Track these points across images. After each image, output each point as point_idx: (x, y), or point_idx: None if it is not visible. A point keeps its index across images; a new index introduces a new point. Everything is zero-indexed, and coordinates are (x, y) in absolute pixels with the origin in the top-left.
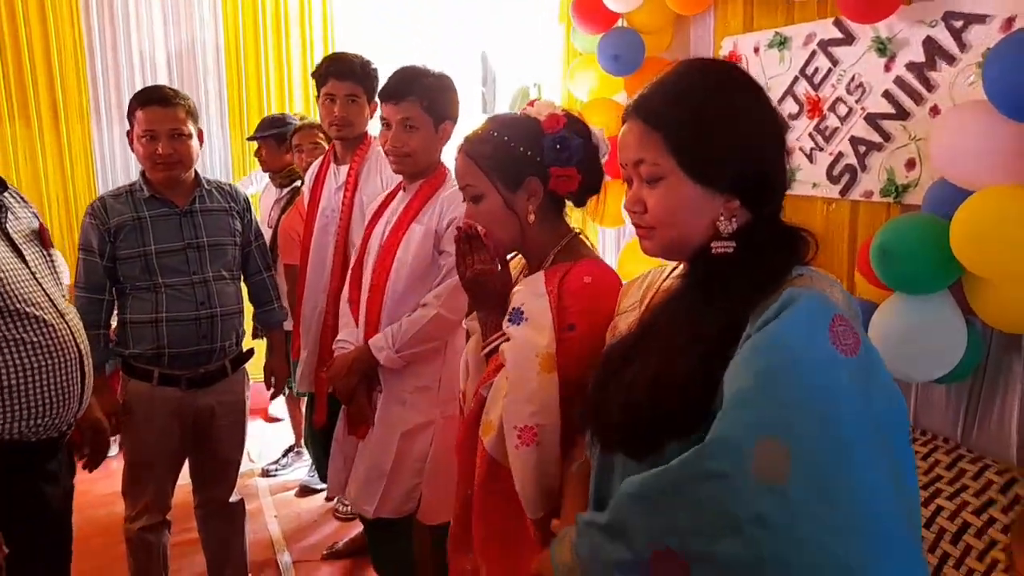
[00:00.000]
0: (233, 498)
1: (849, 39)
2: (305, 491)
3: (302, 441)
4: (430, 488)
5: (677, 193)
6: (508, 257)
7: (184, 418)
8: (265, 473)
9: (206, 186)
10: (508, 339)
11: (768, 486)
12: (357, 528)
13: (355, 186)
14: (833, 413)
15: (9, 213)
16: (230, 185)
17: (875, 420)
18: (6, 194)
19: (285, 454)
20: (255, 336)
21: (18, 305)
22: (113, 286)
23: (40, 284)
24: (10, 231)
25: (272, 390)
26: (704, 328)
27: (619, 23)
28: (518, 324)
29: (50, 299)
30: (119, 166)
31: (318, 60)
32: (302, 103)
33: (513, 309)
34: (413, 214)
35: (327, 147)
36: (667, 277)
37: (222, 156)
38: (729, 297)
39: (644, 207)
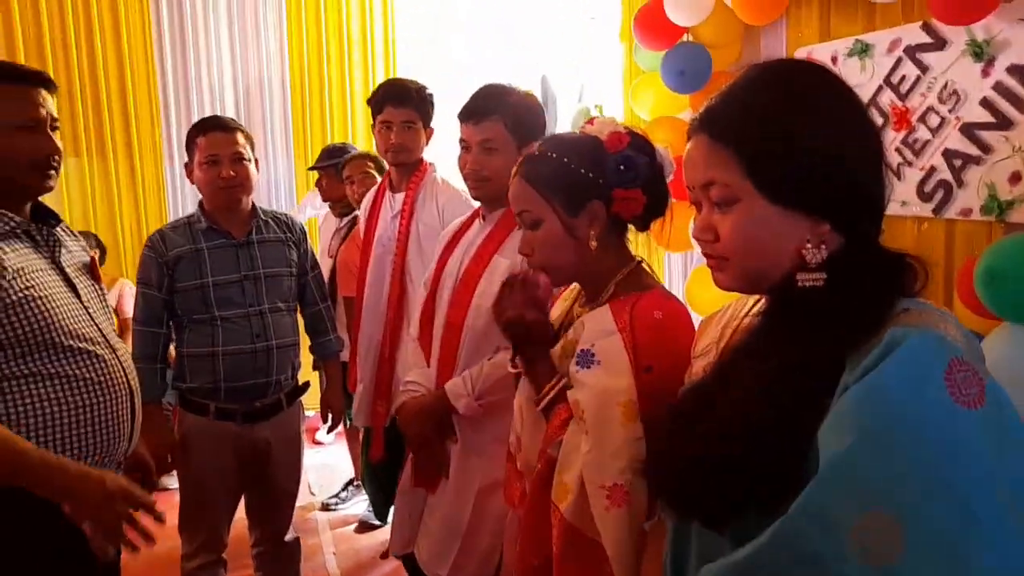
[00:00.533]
0: (289, 536)
1: (940, 43)
2: (364, 527)
3: (361, 474)
4: (513, 551)
5: (754, 218)
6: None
7: (240, 453)
8: (325, 507)
9: (262, 216)
10: (573, 386)
11: (876, 568)
12: None
13: (411, 214)
14: (953, 478)
15: (62, 247)
16: (286, 215)
17: (1009, 484)
18: (59, 228)
19: (345, 487)
20: (315, 368)
21: (69, 341)
22: (171, 319)
23: (92, 318)
24: (63, 264)
25: (328, 423)
26: (793, 375)
27: (685, 38)
28: (589, 368)
29: (102, 333)
30: (190, 200)
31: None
32: (364, 132)
33: (582, 351)
34: (495, 245)
35: (378, 177)
36: (749, 312)
37: (287, 188)
38: (822, 338)
39: (715, 235)
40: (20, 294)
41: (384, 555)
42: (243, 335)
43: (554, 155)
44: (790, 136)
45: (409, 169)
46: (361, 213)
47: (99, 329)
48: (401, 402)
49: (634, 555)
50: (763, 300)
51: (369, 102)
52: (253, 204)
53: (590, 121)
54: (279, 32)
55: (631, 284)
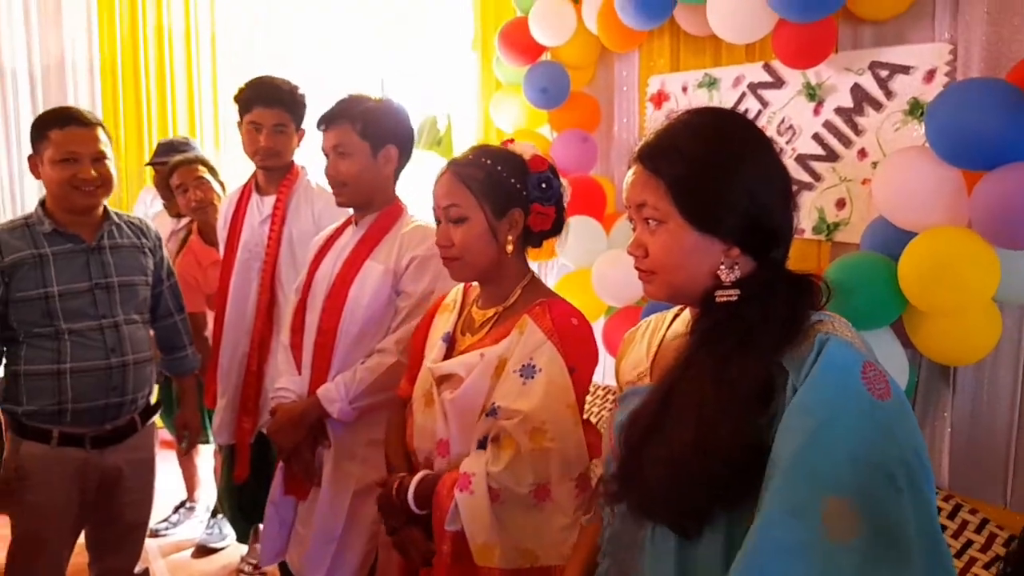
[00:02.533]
0: (138, 569)
1: (779, 83)
2: (202, 551)
3: (194, 495)
4: (388, 552)
5: (677, 239)
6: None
7: (86, 482)
8: (154, 533)
9: (115, 219)
10: (500, 409)
11: (843, 545)
12: None
13: (283, 219)
14: (884, 460)
15: None
16: (140, 219)
17: (918, 456)
18: None
19: (176, 510)
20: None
21: None
22: (2, 332)
23: None
24: None
25: (185, 444)
26: (739, 385)
27: (544, 56)
28: (533, 378)
29: None
30: None
31: (202, 84)
32: (185, 124)
33: (524, 366)
34: (368, 250)
35: (212, 180)
36: (668, 326)
37: None
38: (756, 348)
39: (645, 251)
40: None
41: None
42: (96, 350)
43: (488, 162)
44: (712, 173)
45: (279, 172)
46: (221, 215)
47: None
48: (272, 408)
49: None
50: (681, 316)
51: (236, 99)
52: (105, 206)
53: (510, 141)
54: (87, 11)
55: (536, 291)
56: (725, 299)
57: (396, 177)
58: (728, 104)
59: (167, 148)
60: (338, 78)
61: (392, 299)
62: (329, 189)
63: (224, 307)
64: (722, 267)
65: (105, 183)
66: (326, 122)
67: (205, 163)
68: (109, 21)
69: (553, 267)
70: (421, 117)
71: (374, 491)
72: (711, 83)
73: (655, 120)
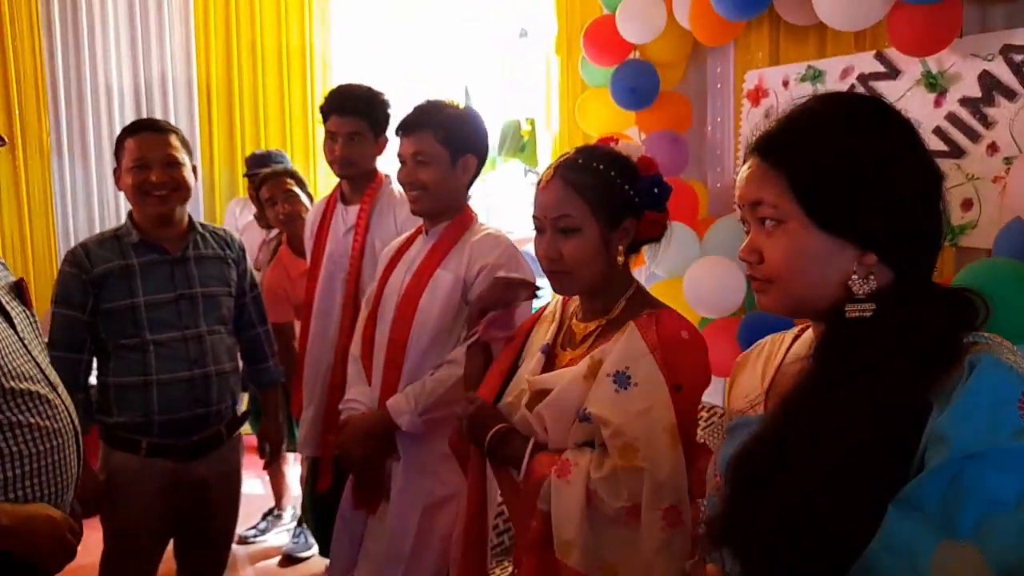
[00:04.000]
0: None
1: (894, 73)
2: (288, 560)
3: (282, 503)
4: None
5: (799, 242)
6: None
7: (174, 493)
8: (242, 540)
9: (200, 230)
10: (595, 410)
11: None
12: None
13: (366, 228)
14: None
15: None
16: (224, 231)
17: None
18: None
19: (264, 517)
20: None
21: (11, 383)
22: (92, 344)
23: (29, 352)
24: None
25: (267, 457)
26: (873, 423)
27: (632, 55)
28: (627, 389)
29: (41, 369)
30: (81, 209)
31: (292, 97)
32: (275, 137)
33: (618, 372)
34: (438, 260)
35: (301, 192)
36: (788, 348)
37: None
38: (895, 377)
39: (760, 256)
40: None
41: None
42: (179, 361)
43: (600, 166)
44: (844, 167)
45: (361, 182)
46: (308, 226)
47: (37, 364)
48: (343, 421)
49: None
50: (802, 338)
51: (320, 110)
52: (190, 217)
53: (613, 140)
54: (185, 29)
55: (642, 302)
56: (857, 315)
57: (469, 186)
58: None
59: (258, 160)
60: (422, 85)
61: (462, 309)
62: None
63: (310, 319)
64: (854, 277)
65: (177, 188)
66: (405, 129)
67: (294, 175)
68: (206, 40)
69: (641, 276)
70: (503, 122)
71: (445, 506)
72: (815, 76)
73: (754, 118)
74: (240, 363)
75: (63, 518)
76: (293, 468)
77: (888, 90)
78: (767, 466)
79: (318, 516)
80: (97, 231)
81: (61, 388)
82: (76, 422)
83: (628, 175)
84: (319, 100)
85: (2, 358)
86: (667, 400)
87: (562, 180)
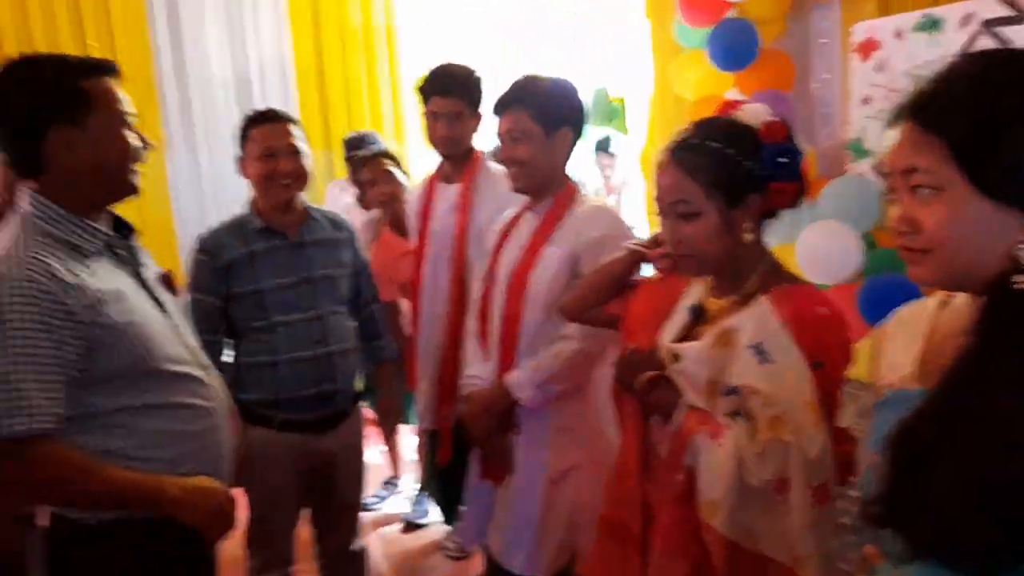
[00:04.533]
0: (355, 546)
1: (1021, 17)
2: (409, 527)
3: (398, 472)
4: (588, 541)
5: (960, 210)
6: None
7: (305, 465)
8: (364, 508)
9: (314, 215)
10: (737, 385)
11: None
12: (474, 568)
13: (468, 207)
14: None
15: (140, 261)
16: (335, 214)
17: None
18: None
19: (384, 486)
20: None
21: (169, 366)
22: (226, 326)
23: (181, 336)
24: (146, 280)
25: (386, 429)
26: None
27: (729, 13)
28: (764, 365)
29: (191, 352)
30: (191, 197)
31: (381, 79)
32: (370, 120)
33: (755, 346)
34: (545, 236)
35: (397, 173)
36: (934, 318)
37: None
38: None
39: (916, 226)
40: (120, 320)
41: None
42: (303, 341)
43: (715, 144)
44: (1010, 129)
45: (461, 160)
46: (410, 207)
47: (188, 348)
48: (465, 396)
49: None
50: (952, 308)
51: (419, 90)
52: (305, 203)
53: (734, 105)
54: (276, 15)
55: (776, 275)
56: None
57: (568, 158)
58: (957, 47)
59: (355, 143)
60: (510, 56)
61: (572, 283)
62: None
63: (419, 296)
64: (1022, 246)
65: (300, 176)
66: (500, 107)
67: (390, 156)
68: (298, 26)
69: None
70: (591, 91)
71: (568, 478)
72: (932, 25)
73: (863, 72)
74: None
75: (223, 489)
76: (408, 439)
77: (1017, 35)
78: (933, 443)
79: (441, 485)
80: (208, 217)
81: (212, 369)
82: (230, 403)
83: (748, 148)
84: (403, 78)
85: (161, 344)
86: (807, 375)
87: (677, 163)
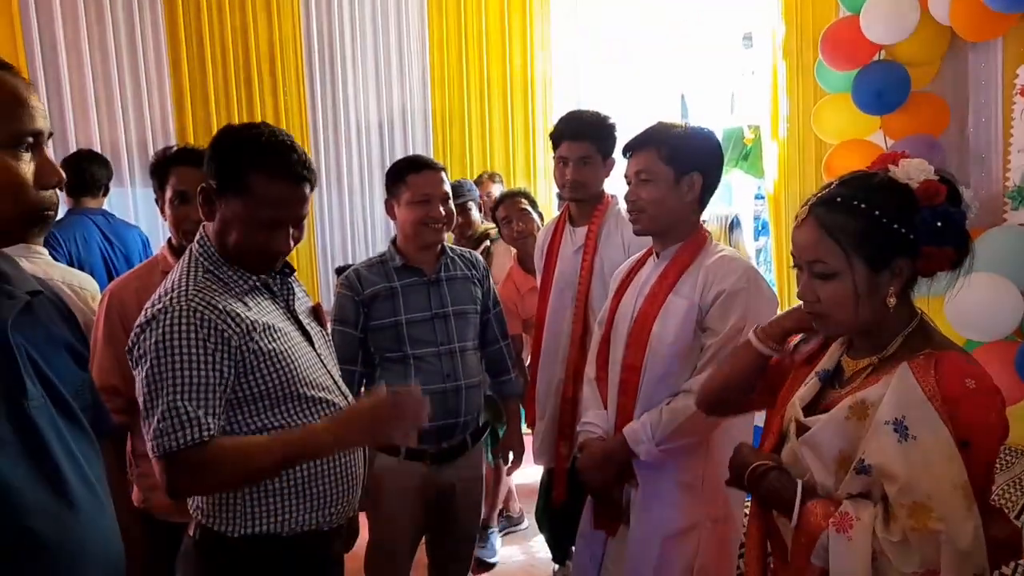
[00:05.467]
0: None
1: None
2: (481, 566)
3: (511, 507)
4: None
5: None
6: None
7: (427, 495)
8: None
9: (450, 254)
10: (871, 463)
11: None
12: None
13: (595, 248)
14: None
15: (294, 296)
16: (471, 252)
17: None
18: (291, 278)
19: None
20: None
21: (310, 391)
22: (364, 357)
23: (325, 365)
24: (297, 313)
25: (509, 465)
26: None
27: (877, 56)
28: (906, 442)
29: (334, 380)
30: (336, 233)
31: (515, 124)
32: (502, 162)
33: (896, 421)
34: (670, 284)
35: (533, 212)
36: None
37: None
38: None
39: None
40: (267, 347)
41: None
42: (434, 374)
43: (863, 205)
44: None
45: (590, 203)
46: (538, 247)
47: (331, 376)
48: (581, 444)
49: None
50: None
51: (550, 136)
52: (442, 242)
53: (892, 160)
54: (421, 63)
55: (922, 339)
56: None
57: (702, 206)
58: None
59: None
60: (638, 95)
61: (698, 336)
62: None
63: (542, 335)
64: None
65: (450, 220)
66: (632, 149)
67: (527, 196)
68: (439, 74)
69: None
70: (724, 130)
71: (688, 536)
72: None
73: None
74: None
75: (376, 400)
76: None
77: None
78: None
79: (553, 524)
80: (350, 253)
81: (351, 398)
82: None
83: (900, 210)
84: (538, 122)
85: (304, 371)
86: (955, 454)
87: (816, 220)
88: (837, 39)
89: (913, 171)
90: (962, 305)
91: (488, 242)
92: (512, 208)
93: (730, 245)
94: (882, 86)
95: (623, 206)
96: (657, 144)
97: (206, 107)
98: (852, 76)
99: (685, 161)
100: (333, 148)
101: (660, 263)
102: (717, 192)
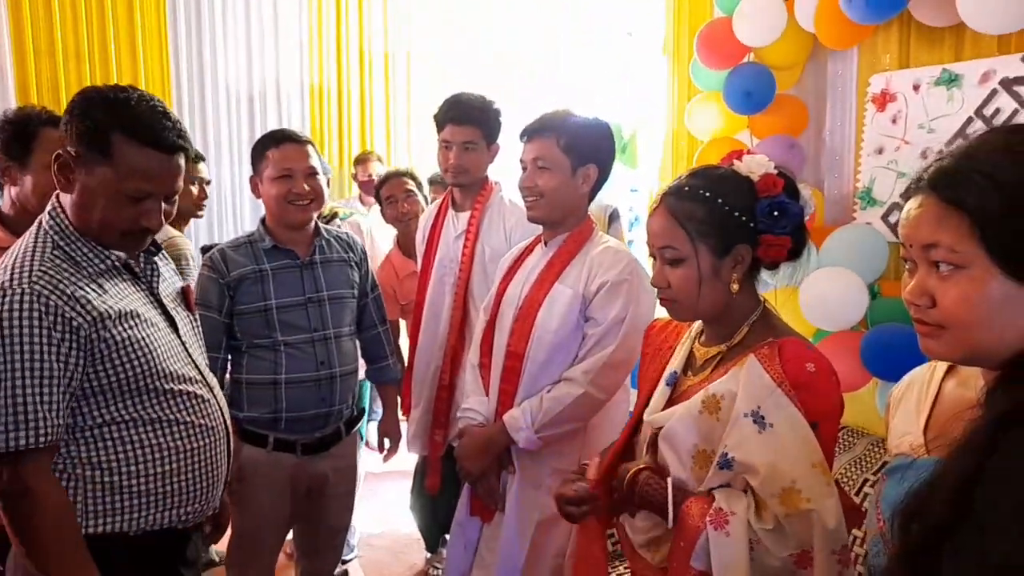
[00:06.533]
0: (337, 570)
1: None
2: None
3: None
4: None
5: (982, 289)
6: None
7: (297, 486)
8: None
9: (325, 235)
10: (735, 456)
11: None
12: None
13: (476, 235)
14: None
15: (159, 277)
16: (347, 234)
17: None
18: (157, 256)
19: None
20: None
21: (169, 384)
22: (228, 343)
23: (190, 354)
24: (161, 296)
25: (385, 452)
26: None
27: (747, 57)
28: (763, 431)
29: (199, 370)
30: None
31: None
32: (383, 141)
33: (753, 411)
34: (556, 273)
35: (418, 194)
36: (940, 383)
37: None
38: None
39: (932, 301)
40: (121, 336)
41: None
42: (307, 362)
43: (707, 193)
44: None
45: (473, 188)
46: (419, 231)
47: (196, 366)
48: (461, 430)
49: None
50: (960, 377)
51: (434, 118)
52: (316, 222)
53: (737, 156)
54: (299, 38)
55: (767, 327)
56: None
57: (591, 198)
58: (974, 104)
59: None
60: (521, 87)
61: (580, 325)
62: (522, 205)
63: (420, 321)
64: None
65: (317, 197)
66: (530, 134)
67: (414, 177)
68: (319, 47)
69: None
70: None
71: (558, 522)
72: (951, 80)
73: (878, 123)
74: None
75: None
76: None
77: None
78: (944, 521)
79: (427, 513)
80: (215, 231)
81: (217, 389)
82: (228, 423)
83: (740, 199)
84: (418, 105)
85: (164, 361)
86: (810, 435)
87: (667, 209)
88: (711, 39)
89: (755, 165)
90: (815, 297)
91: (338, 221)
92: (397, 187)
93: (609, 235)
94: (751, 87)
95: (507, 194)
96: (557, 132)
97: (53, 65)
98: (724, 76)
99: (582, 152)
100: (199, 119)
101: (548, 251)
102: None
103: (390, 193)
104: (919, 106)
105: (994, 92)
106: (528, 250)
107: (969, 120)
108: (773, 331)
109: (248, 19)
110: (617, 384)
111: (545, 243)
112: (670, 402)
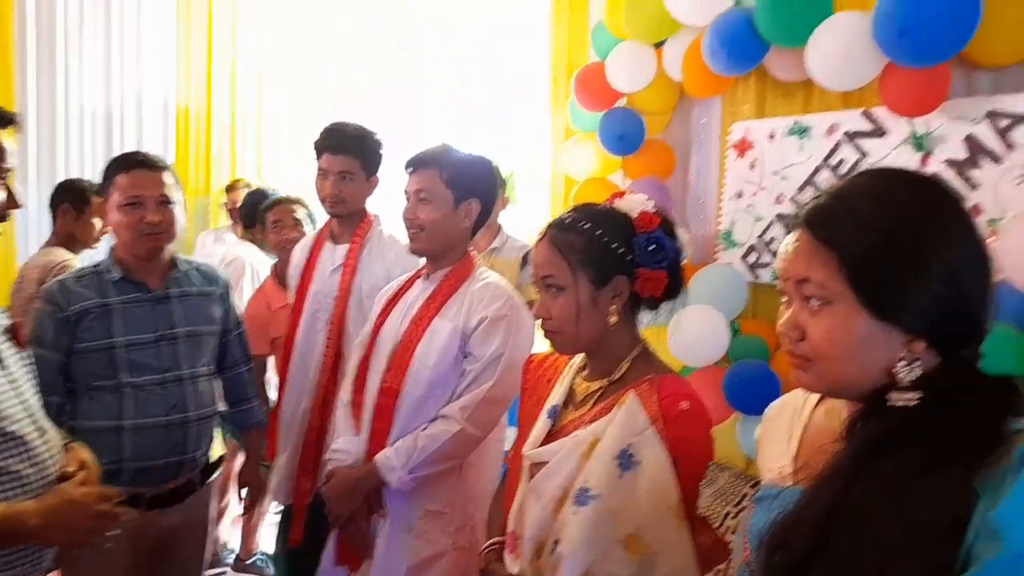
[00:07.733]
0: None
1: (880, 131)
2: None
3: (250, 550)
4: None
5: (847, 325)
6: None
7: (141, 545)
8: None
9: (182, 267)
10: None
11: None
12: None
13: (354, 270)
14: None
15: None
16: (209, 266)
17: None
18: None
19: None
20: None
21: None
22: (68, 386)
23: (18, 394)
24: None
25: (246, 503)
26: (924, 515)
27: (620, 102)
28: (630, 470)
29: (28, 412)
30: (45, 238)
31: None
32: (254, 168)
33: (622, 452)
34: (437, 307)
35: (306, 224)
36: (811, 412)
37: None
38: (945, 469)
39: (802, 334)
40: None
41: None
42: (156, 406)
43: (587, 225)
44: (900, 250)
45: (351, 220)
46: (293, 263)
47: (25, 407)
48: (328, 472)
49: None
50: (828, 406)
51: (315, 146)
52: (173, 254)
53: (619, 195)
54: (163, 54)
55: (646, 364)
56: (903, 404)
57: (473, 234)
58: (822, 153)
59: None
60: (399, 125)
61: (460, 360)
62: (402, 239)
63: (289, 358)
64: (901, 363)
65: (169, 227)
66: (414, 165)
67: (304, 206)
68: (185, 64)
69: None
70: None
71: (430, 565)
72: (801, 131)
73: (738, 168)
74: (219, 406)
75: (85, 494)
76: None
77: (875, 148)
78: (806, 551)
79: (289, 568)
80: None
81: (51, 433)
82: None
83: (618, 233)
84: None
85: None
86: (670, 476)
87: (550, 240)
88: (587, 82)
89: (634, 203)
90: (681, 334)
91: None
92: (286, 214)
93: (521, 279)
94: (623, 130)
95: (386, 228)
96: (440, 166)
97: None
98: (599, 118)
99: (465, 187)
100: (48, 137)
101: (429, 285)
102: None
103: (278, 218)
104: (774, 154)
105: (839, 144)
106: (408, 284)
107: (817, 169)
108: (654, 368)
109: (108, 30)
110: (494, 421)
111: (427, 276)
112: (550, 436)
